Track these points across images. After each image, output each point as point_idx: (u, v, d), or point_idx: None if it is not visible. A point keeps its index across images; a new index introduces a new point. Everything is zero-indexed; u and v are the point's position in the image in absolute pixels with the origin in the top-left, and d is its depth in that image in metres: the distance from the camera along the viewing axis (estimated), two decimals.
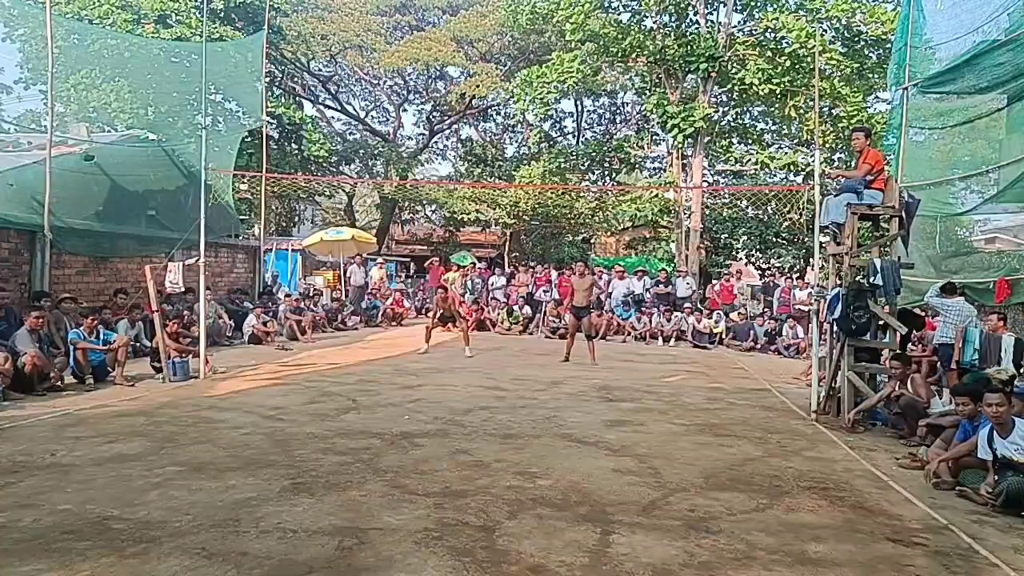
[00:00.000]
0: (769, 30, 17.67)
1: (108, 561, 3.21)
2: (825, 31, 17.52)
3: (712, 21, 19.54)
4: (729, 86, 19.31)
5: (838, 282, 7.12)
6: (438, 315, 11.95)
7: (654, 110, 18.99)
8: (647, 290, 15.89)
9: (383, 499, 4.17)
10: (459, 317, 12.16)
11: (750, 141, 22.35)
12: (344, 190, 29.55)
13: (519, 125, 28.47)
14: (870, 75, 18.35)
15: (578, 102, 28.70)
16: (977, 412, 5.02)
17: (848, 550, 3.63)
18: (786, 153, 20.51)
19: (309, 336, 12.63)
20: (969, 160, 11.37)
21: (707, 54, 17.85)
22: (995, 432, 4.59)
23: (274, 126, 18.84)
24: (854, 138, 7.39)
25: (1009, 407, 4.61)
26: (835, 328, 6.95)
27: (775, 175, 21.45)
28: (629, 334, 14.69)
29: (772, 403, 7.97)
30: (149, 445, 5.25)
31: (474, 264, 18.97)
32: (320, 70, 28.31)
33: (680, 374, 10.11)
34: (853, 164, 7.78)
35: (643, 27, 19.34)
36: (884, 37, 16.39)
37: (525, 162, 25.14)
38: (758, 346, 13.80)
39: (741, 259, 23.70)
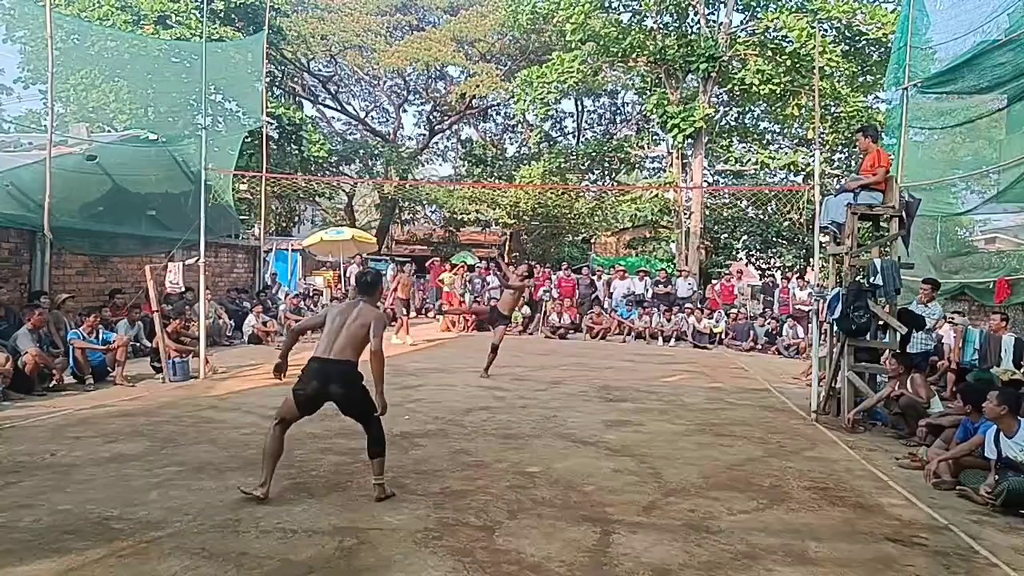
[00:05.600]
0: (770, 30, 17.67)
1: (108, 561, 3.21)
2: (826, 31, 17.52)
3: (713, 21, 19.54)
4: (729, 86, 19.30)
5: (838, 282, 7.13)
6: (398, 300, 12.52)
7: (654, 110, 18.97)
8: (647, 290, 15.89)
9: (383, 499, 4.17)
10: (407, 309, 12.80)
11: (750, 141, 22.34)
12: (344, 190, 29.54)
13: (519, 125, 28.46)
14: (871, 75, 18.36)
15: (578, 102, 28.68)
16: (966, 412, 5.05)
17: (848, 550, 3.63)
18: (786, 153, 20.49)
19: (309, 336, 12.60)
20: (970, 160, 11.37)
21: (707, 54, 17.84)
22: (1001, 432, 4.60)
23: (274, 126, 18.81)
24: (857, 139, 7.39)
25: (995, 405, 4.61)
26: (835, 328, 6.94)
27: (775, 175, 21.44)
28: (629, 333, 14.69)
29: (772, 403, 7.97)
30: (149, 445, 5.25)
31: (472, 266, 18.91)
32: (320, 70, 28.31)
33: (680, 374, 10.11)
34: (857, 165, 7.78)
35: (643, 27, 19.32)
36: (884, 39, 16.39)
37: (525, 162, 25.13)
38: (758, 346, 13.79)
39: (741, 259, 23.68)
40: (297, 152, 20.75)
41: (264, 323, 12.09)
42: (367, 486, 4.39)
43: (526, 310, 15.88)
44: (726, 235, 22.80)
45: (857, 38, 17.86)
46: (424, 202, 28.89)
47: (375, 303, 4.54)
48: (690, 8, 19.18)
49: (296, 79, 26.87)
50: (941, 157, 11.73)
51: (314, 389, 4.18)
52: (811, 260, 12.51)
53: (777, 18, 17.05)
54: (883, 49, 17.01)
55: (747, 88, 17.93)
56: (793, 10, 17.56)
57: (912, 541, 3.80)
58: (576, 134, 29.63)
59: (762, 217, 22.91)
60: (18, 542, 3.39)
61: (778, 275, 20.17)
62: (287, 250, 17.67)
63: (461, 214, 25.97)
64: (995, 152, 10.32)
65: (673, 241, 23.70)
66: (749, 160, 21.24)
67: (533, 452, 5.38)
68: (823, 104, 17.19)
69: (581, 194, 24.76)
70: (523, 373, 9.53)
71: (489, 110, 30.64)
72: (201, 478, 4.46)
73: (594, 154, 22.82)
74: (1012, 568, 3.47)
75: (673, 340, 14.28)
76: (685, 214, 20.55)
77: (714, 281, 17.61)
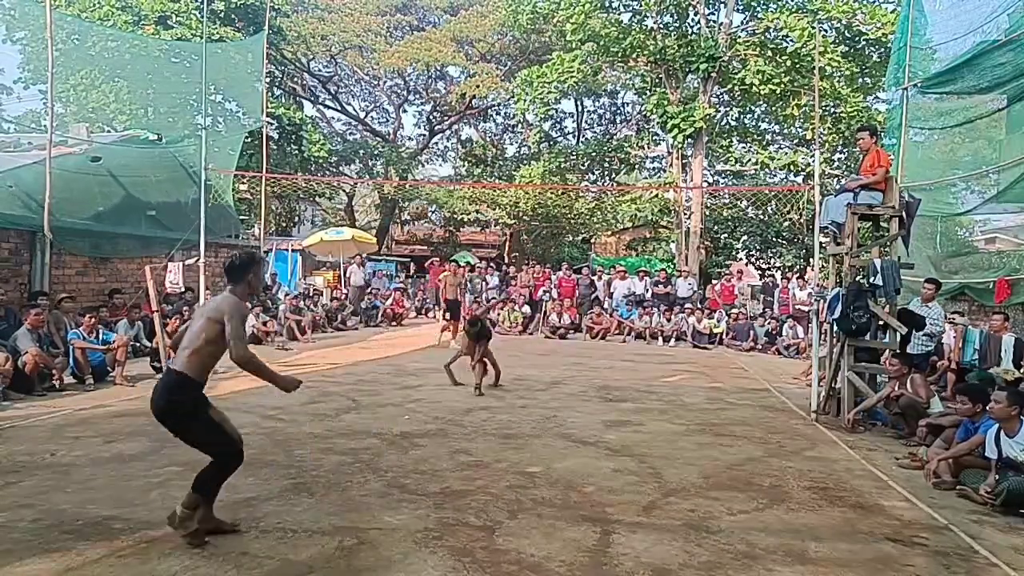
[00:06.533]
0: (770, 30, 17.68)
1: (108, 561, 3.21)
2: (826, 32, 17.52)
3: (713, 21, 19.55)
4: (729, 86, 19.31)
5: (838, 282, 7.13)
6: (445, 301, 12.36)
7: (654, 110, 18.99)
8: (647, 290, 15.90)
9: (383, 499, 4.17)
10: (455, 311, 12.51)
11: (750, 141, 22.36)
12: (344, 190, 29.56)
13: (519, 125, 28.48)
14: (871, 75, 18.37)
15: (578, 102, 28.70)
16: (975, 411, 5.03)
17: (848, 550, 3.63)
18: (786, 153, 20.50)
19: (308, 336, 12.63)
20: (969, 160, 11.37)
21: (708, 54, 17.85)
22: (1002, 431, 4.59)
23: (274, 127, 18.85)
24: (859, 138, 7.38)
25: (1007, 406, 4.60)
26: (835, 328, 6.94)
27: (775, 175, 21.45)
28: (629, 333, 14.69)
29: (772, 403, 7.96)
30: (149, 445, 5.25)
31: (473, 266, 18.93)
32: (320, 70, 28.33)
33: (680, 374, 10.11)
34: (857, 164, 7.78)
35: (643, 27, 19.34)
36: (884, 39, 16.41)
37: (525, 162, 25.14)
38: (758, 346, 13.79)
39: (741, 259, 23.69)
40: (297, 152, 20.77)
41: (264, 323, 12.09)
42: (367, 486, 4.39)
43: (526, 309, 15.90)
44: (726, 235, 22.82)
45: (857, 38, 17.88)
46: (424, 202, 28.91)
47: (244, 293, 3.61)
48: (690, 8, 19.19)
49: (296, 79, 26.89)
50: (941, 157, 11.72)
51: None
52: (811, 260, 12.52)
53: (777, 18, 17.07)
54: (883, 49, 17.03)
55: (747, 88, 17.95)
56: (793, 10, 17.59)
57: (912, 541, 3.79)
58: (576, 134, 29.65)
59: (762, 217, 22.93)
60: (18, 542, 3.39)
61: (778, 275, 20.18)
62: (287, 250, 17.69)
63: (461, 214, 25.98)
64: (995, 152, 10.31)
65: (673, 241, 23.70)
66: (749, 160, 21.25)
67: (533, 452, 5.37)
68: (823, 104, 17.20)
69: (581, 194, 24.78)
70: (523, 373, 9.53)
71: (489, 110, 30.66)
72: None
73: (594, 154, 22.83)
74: (1012, 568, 3.47)
75: (673, 340, 14.28)
76: (685, 214, 20.56)
77: (714, 281, 17.61)
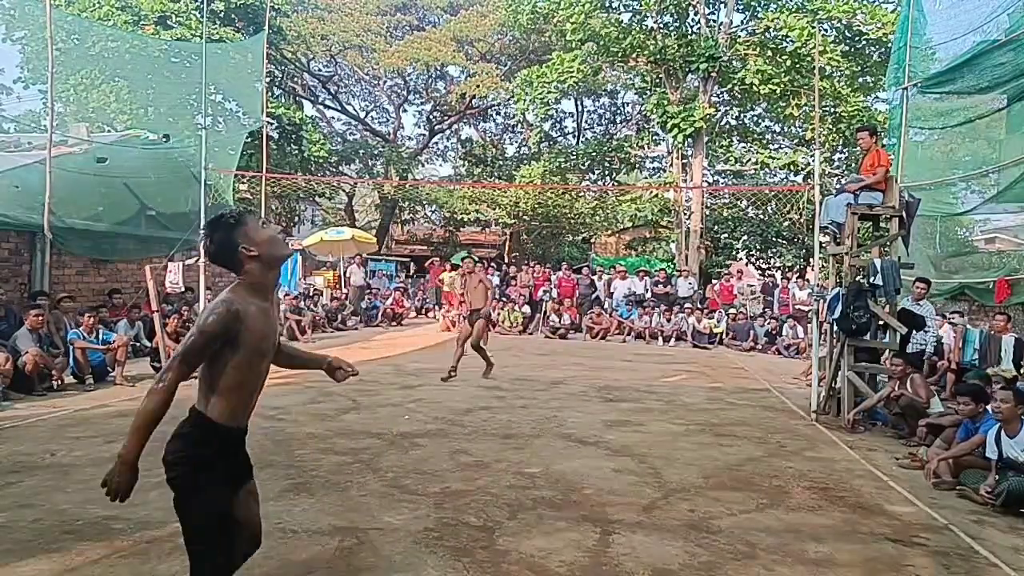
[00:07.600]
0: (770, 30, 17.68)
1: (108, 561, 3.22)
2: (826, 31, 17.53)
3: (713, 21, 19.54)
4: (730, 86, 19.31)
5: (838, 282, 7.13)
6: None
7: (654, 110, 18.98)
8: (647, 290, 15.90)
9: (383, 499, 4.17)
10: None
11: (750, 141, 22.35)
12: (344, 190, 29.54)
13: (519, 125, 28.47)
14: (871, 75, 18.37)
15: (578, 102, 28.68)
16: (979, 411, 5.03)
17: (848, 550, 3.63)
18: (786, 153, 20.49)
19: (309, 336, 12.63)
20: (969, 160, 11.37)
21: (708, 54, 17.85)
22: (1003, 431, 4.59)
23: (274, 126, 18.83)
24: (859, 138, 7.39)
25: (1014, 405, 4.60)
26: (835, 328, 6.95)
27: (775, 175, 21.44)
28: (629, 333, 14.69)
29: (772, 403, 7.96)
30: (149, 445, 5.21)
31: (476, 262, 18.91)
32: (320, 70, 28.30)
33: (680, 374, 10.11)
34: (857, 164, 7.78)
35: (643, 27, 19.33)
36: (884, 39, 16.41)
37: (525, 162, 25.13)
38: (758, 346, 13.79)
39: (741, 259, 23.67)
40: (297, 152, 20.76)
41: None
42: (367, 486, 4.39)
43: (526, 309, 15.89)
44: (726, 235, 22.79)
45: (857, 38, 17.87)
46: (424, 202, 28.90)
47: (256, 275, 2.54)
48: (690, 8, 19.18)
49: (296, 79, 26.86)
50: (941, 157, 11.72)
51: None
52: (811, 260, 12.51)
53: (777, 18, 17.06)
54: (883, 49, 17.01)
55: (747, 88, 17.94)
56: (793, 10, 17.57)
57: (912, 541, 3.80)
58: (576, 134, 29.62)
59: (762, 217, 22.91)
60: (18, 542, 3.39)
61: (778, 275, 20.18)
62: None
63: (461, 214, 25.98)
64: (995, 152, 10.31)
65: (673, 241, 23.69)
66: (749, 160, 21.24)
67: (533, 452, 5.37)
68: (823, 104, 17.19)
69: (581, 194, 24.78)
70: (523, 373, 9.53)
71: (489, 110, 30.64)
72: None
73: (594, 154, 22.81)
74: (1012, 568, 3.47)
75: (673, 340, 14.27)
76: (685, 214, 20.55)
77: (714, 281, 17.61)
